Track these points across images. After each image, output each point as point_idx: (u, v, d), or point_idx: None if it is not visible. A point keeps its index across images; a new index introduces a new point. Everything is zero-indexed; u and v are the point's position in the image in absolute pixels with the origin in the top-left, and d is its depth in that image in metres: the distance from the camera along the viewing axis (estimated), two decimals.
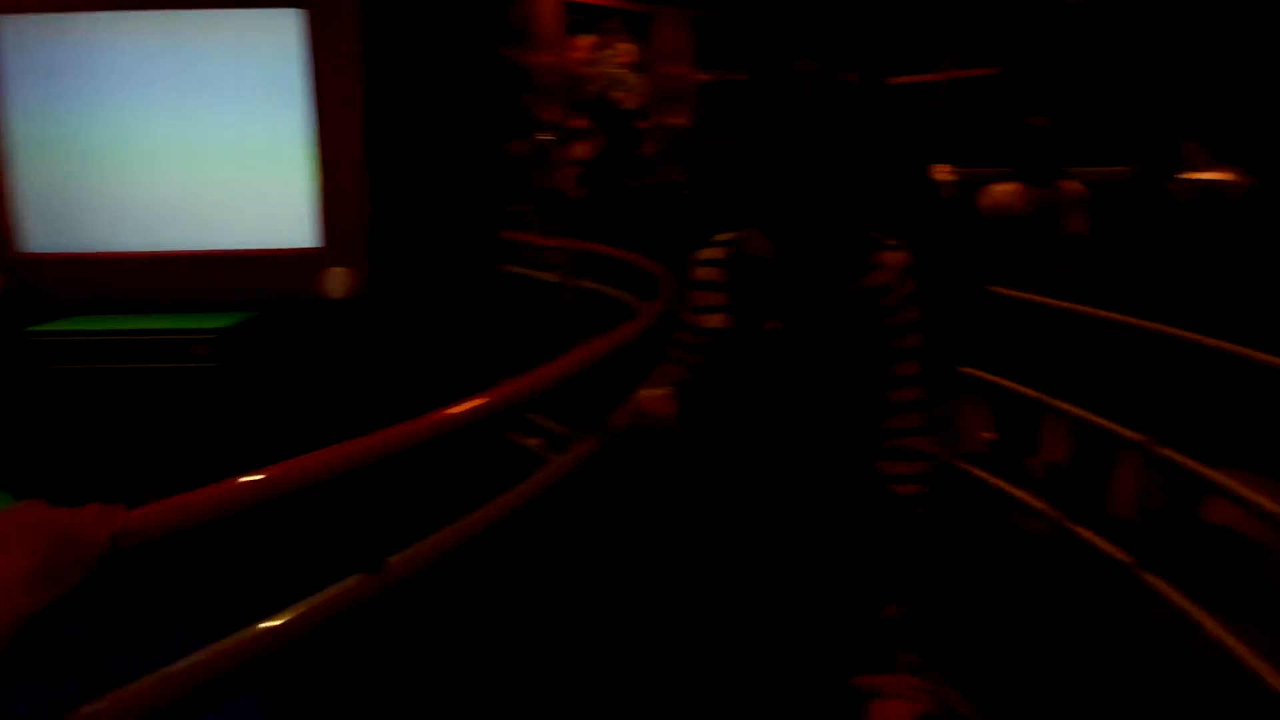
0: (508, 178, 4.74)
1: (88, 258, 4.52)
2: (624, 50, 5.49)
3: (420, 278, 4.43)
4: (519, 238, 4.59)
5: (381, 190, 4.42)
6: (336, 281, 4.40)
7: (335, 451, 1.51)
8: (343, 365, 4.39)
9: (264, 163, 4.45)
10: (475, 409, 2.02)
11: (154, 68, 4.42)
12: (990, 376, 3.81)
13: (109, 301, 4.50)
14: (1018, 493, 3.73)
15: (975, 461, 3.94)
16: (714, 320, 1.77)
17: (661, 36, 5.63)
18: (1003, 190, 4.23)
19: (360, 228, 4.42)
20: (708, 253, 1.79)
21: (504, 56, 4.65)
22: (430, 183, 4.44)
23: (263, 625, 1.28)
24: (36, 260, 4.51)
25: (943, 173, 4.37)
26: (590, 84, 5.38)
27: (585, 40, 5.34)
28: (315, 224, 4.45)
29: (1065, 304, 3.53)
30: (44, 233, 4.53)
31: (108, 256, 4.51)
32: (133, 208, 4.52)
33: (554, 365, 2.31)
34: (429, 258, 4.44)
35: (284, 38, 4.36)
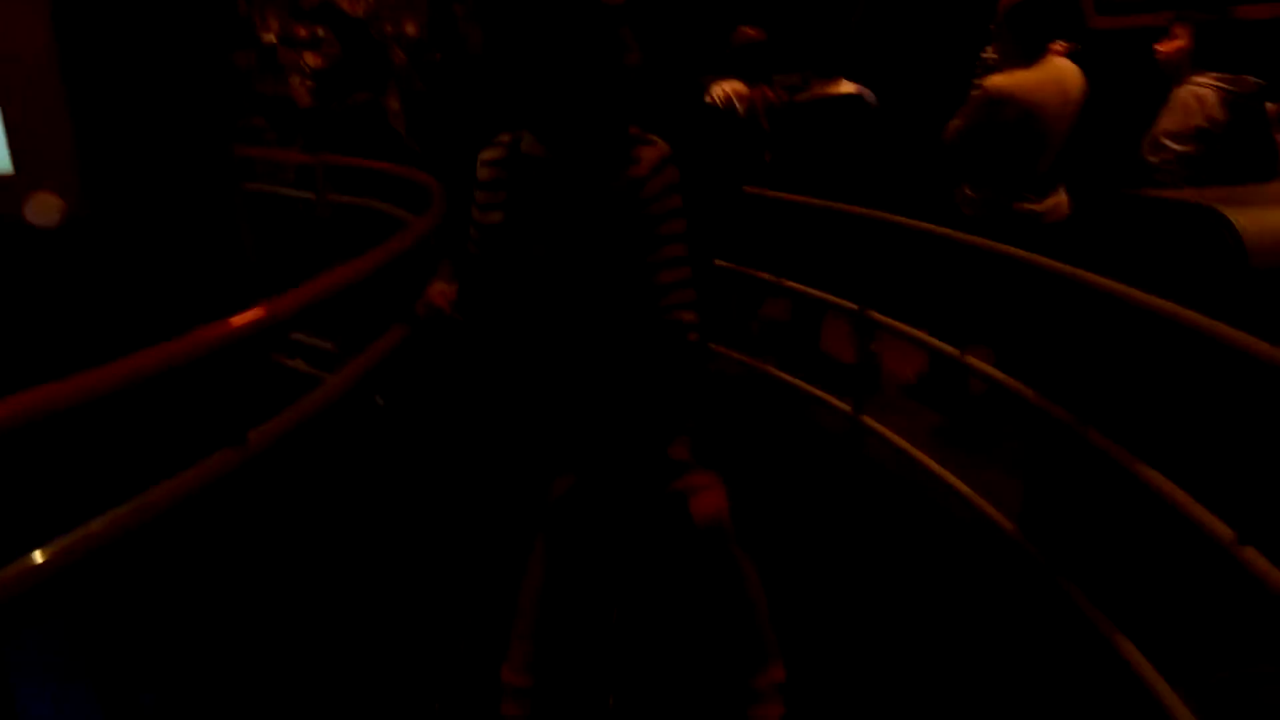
0: (235, 90, 4.47)
1: None
2: None
3: (145, 197, 4.11)
4: (256, 153, 4.37)
5: (90, 109, 4.02)
6: (44, 208, 3.98)
7: (86, 379, 1.44)
8: (57, 295, 4.01)
9: None
10: (252, 323, 1.99)
11: None
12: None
13: None
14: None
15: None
16: (491, 217, 1.87)
17: None
18: (724, 88, 4.69)
19: (64, 148, 4.01)
20: (488, 153, 1.88)
21: None
22: (147, 96, 4.10)
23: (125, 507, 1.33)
24: None
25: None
26: None
27: None
28: (5, 146, 3.97)
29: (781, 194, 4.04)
30: None
31: None
32: None
33: (325, 278, 2.30)
34: (153, 176, 4.13)
35: None
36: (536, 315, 1.86)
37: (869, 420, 3.79)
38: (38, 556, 1.26)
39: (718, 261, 3.92)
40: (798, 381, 4.15)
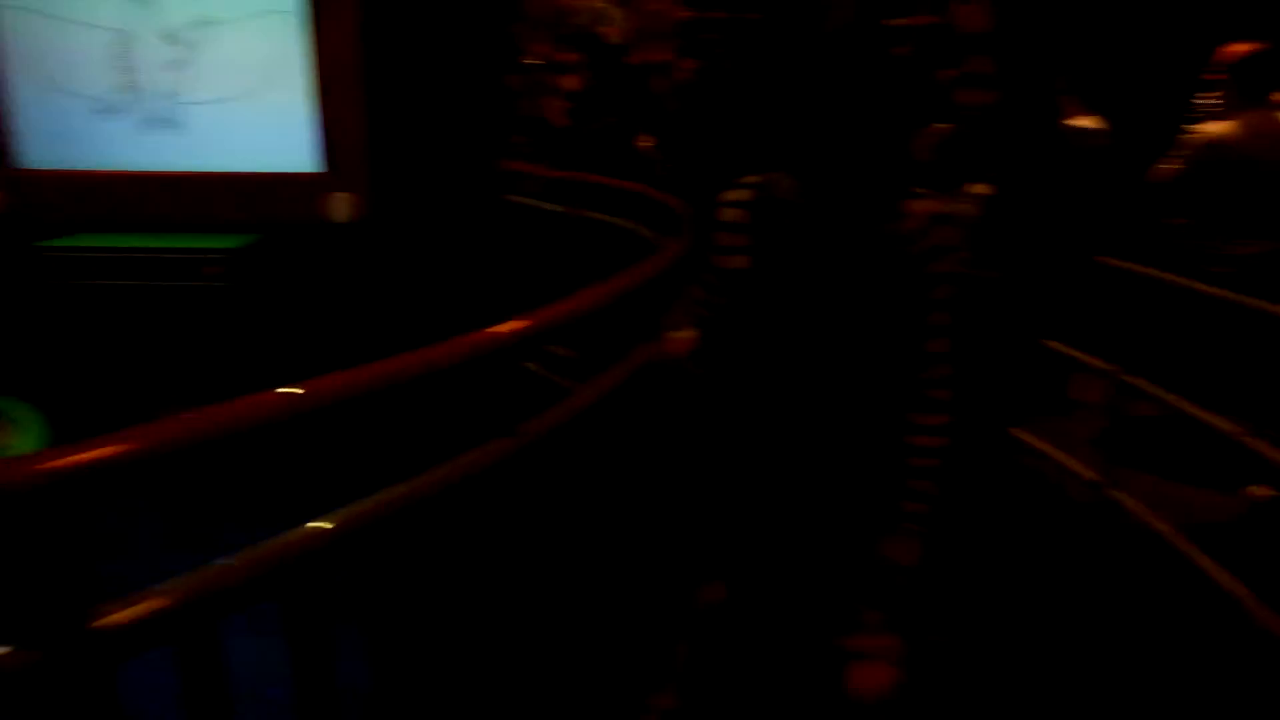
0: (506, 109, 4.91)
1: (88, 175, 4.59)
2: None
3: (422, 203, 4.61)
4: (519, 168, 4.80)
5: (382, 117, 4.56)
6: (339, 206, 4.56)
7: (371, 370, 1.48)
8: (346, 288, 4.58)
9: (266, 87, 4.54)
10: (517, 331, 2.08)
11: None
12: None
13: (111, 220, 4.59)
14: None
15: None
16: (735, 262, 1.72)
17: None
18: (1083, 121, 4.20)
19: (360, 153, 4.57)
20: (733, 194, 1.73)
21: None
22: (430, 111, 4.59)
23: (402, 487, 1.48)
24: (36, 176, 4.56)
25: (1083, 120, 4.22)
26: (576, 17, 5.51)
27: None
28: (316, 149, 4.58)
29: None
30: (42, 147, 4.57)
31: (109, 175, 4.59)
32: (132, 126, 4.58)
33: (588, 293, 2.22)
34: (430, 184, 4.62)
35: None
36: (772, 377, 1.72)
37: (1119, 495, 3.53)
38: (327, 523, 1.36)
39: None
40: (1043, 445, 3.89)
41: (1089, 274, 3.70)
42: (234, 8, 4.44)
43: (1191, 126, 3.88)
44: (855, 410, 1.69)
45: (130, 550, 2.73)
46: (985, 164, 3.76)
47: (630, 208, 3.99)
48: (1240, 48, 3.75)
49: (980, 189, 3.63)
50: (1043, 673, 2.64)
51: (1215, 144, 3.68)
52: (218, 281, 4.31)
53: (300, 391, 1.27)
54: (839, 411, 1.69)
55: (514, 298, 4.60)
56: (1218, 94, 3.88)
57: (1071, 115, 4.25)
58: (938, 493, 1.68)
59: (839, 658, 1.62)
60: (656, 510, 2.57)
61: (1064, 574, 3.22)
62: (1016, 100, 3.91)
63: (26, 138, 4.55)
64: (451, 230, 4.57)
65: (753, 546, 1.78)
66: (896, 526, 1.65)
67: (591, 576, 2.40)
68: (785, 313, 1.67)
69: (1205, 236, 3.80)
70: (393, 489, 1.44)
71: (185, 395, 4.44)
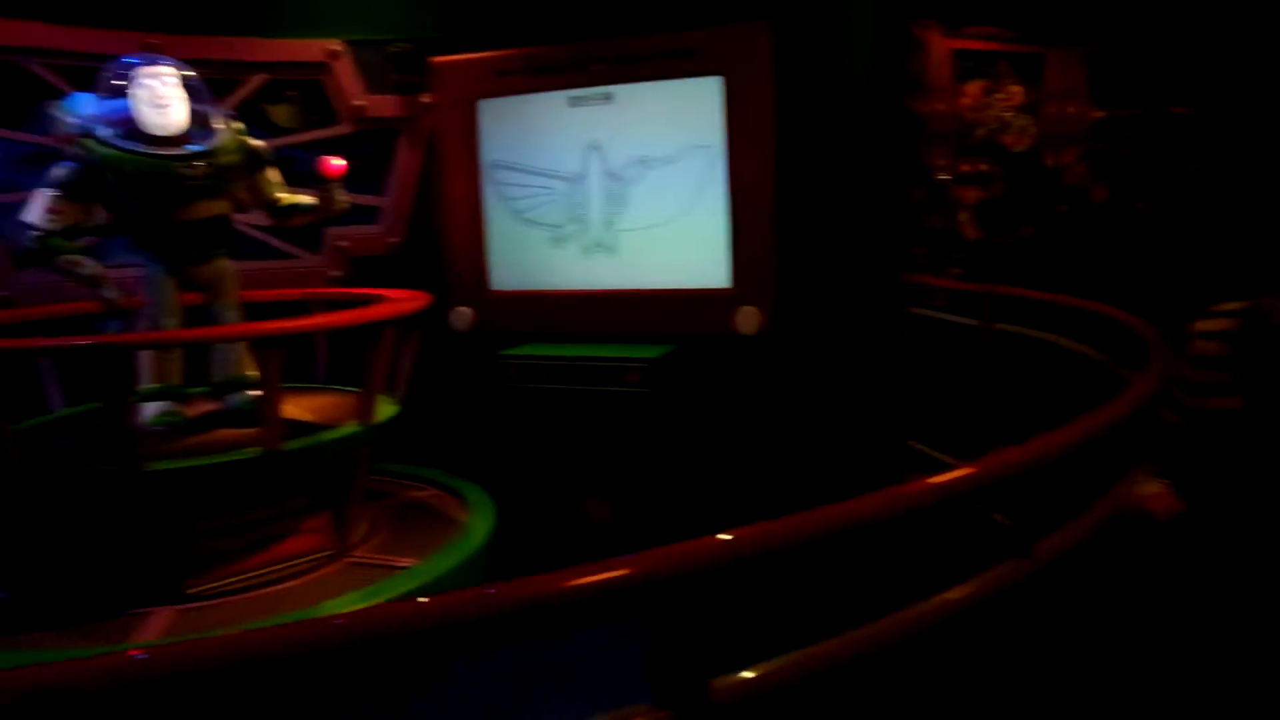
0: (908, 222, 4.96)
1: (540, 294, 5.40)
2: (1013, 93, 5.53)
3: (826, 317, 4.77)
4: (922, 280, 4.81)
5: (790, 235, 4.83)
6: (748, 319, 4.86)
7: (827, 513, 1.48)
8: (754, 396, 4.85)
9: (687, 213, 5.05)
10: (962, 480, 1.73)
11: (595, 134, 5.19)
12: None
13: (555, 332, 5.33)
14: None
15: None
16: (1220, 403, 1.56)
17: (1053, 77, 5.58)
18: None
19: (770, 270, 4.86)
20: (1210, 324, 1.59)
21: (902, 107, 4.90)
22: (835, 228, 4.79)
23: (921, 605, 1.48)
24: (500, 297, 5.47)
25: None
26: (980, 128, 5.47)
27: (975, 86, 5.46)
28: (729, 267, 4.96)
29: None
30: (505, 274, 5.49)
31: (556, 294, 5.36)
32: (577, 251, 5.33)
33: (1046, 440, 1.97)
34: (834, 298, 4.77)
35: (706, 103, 4.93)
36: None
37: None
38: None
39: None
40: None
41: None
42: (666, 146, 5.03)
43: None
44: None
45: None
46: None
47: (1063, 322, 3.77)
48: None
49: None
50: None
51: None
52: (639, 387, 4.76)
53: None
54: None
55: (921, 412, 4.55)
56: None
57: None
58: None
59: None
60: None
61: None
62: None
63: (495, 266, 5.49)
64: (855, 342, 4.66)
65: None
66: None
67: None
68: None
69: None
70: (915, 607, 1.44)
71: (607, 484, 4.95)
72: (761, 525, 1.20)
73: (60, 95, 5.04)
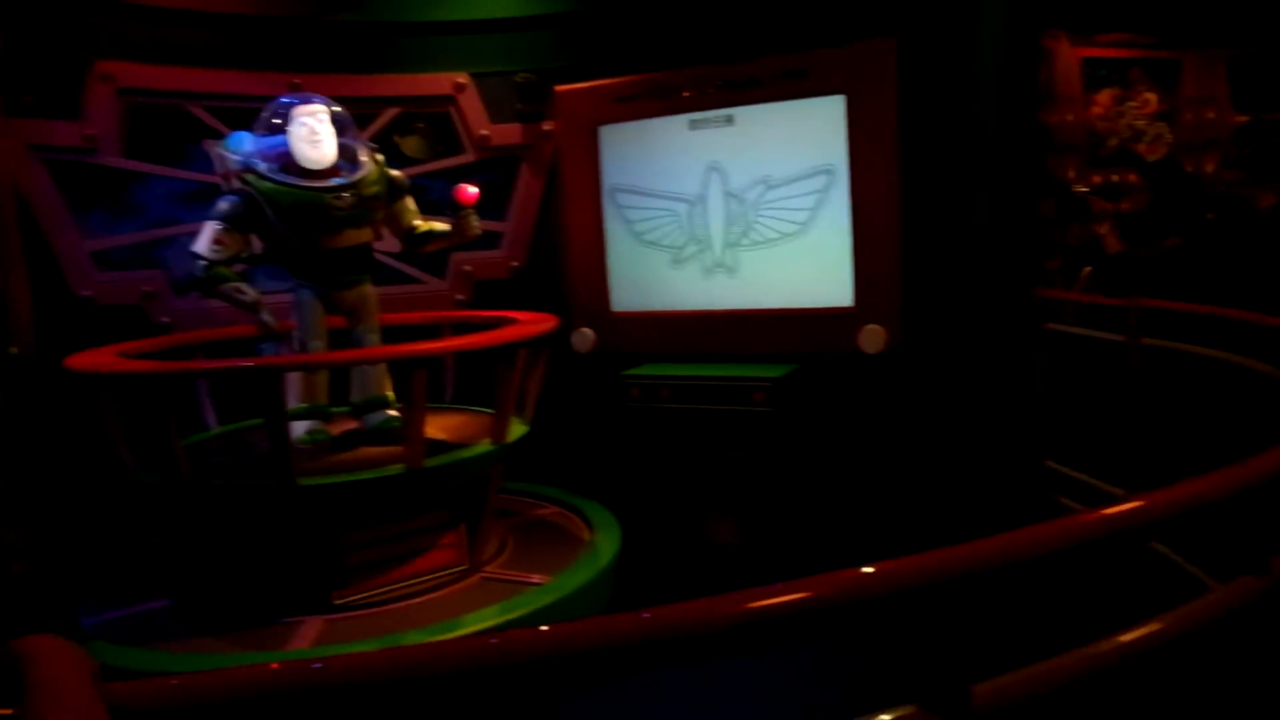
0: (1038, 236, 4.83)
1: (660, 315, 5.47)
2: (1147, 100, 5.33)
3: (953, 335, 4.68)
4: (1056, 295, 4.67)
5: (915, 253, 4.76)
6: (873, 338, 4.80)
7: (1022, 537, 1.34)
8: (881, 415, 4.79)
9: (807, 231, 5.04)
10: (1138, 512, 1.67)
11: (716, 156, 5.24)
12: None
13: (675, 353, 5.38)
14: None
15: None
16: None
17: (1190, 82, 5.36)
18: None
19: (894, 288, 4.80)
20: None
21: (1030, 119, 4.78)
22: (963, 244, 4.70)
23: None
24: (621, 318, 5.57)
25: None
26: (1112, 138, 5.29)
27: (1106, 94, 5.28)
28: (852, 285, 4.92)
29: None
30: (626, 296, 5.58)
31: (677, 314, 5.42)
32: (698, 272, 5.38)
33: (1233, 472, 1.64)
34: (963, 315, 4.68)
35: (827, 122, 4.92)
36: None
37: None
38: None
39: None
40: None
41: None
42: (787, 166, 5.04)
43: None
44: None
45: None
46: None
47: (1220, 337, 3.58)
48: None
49: None
50: None
51: None
52: (763, 407, 4.76)
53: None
54: None
55: (1058, 432, 4.39)
56: None
57: None
58: None
59: None
60: None
61: None
62: None
63: (616, 288, 5.59)
64: (986, 360, 4.55)
65: None
66: None
67: None
68: None
69: None
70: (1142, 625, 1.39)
71: (728, 503, 4.95)
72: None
73: (216, 134, 5.42)
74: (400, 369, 3.76)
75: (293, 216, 4.00)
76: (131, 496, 4.64)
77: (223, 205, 3.99)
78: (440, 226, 4.43)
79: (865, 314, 4.85)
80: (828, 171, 4.91)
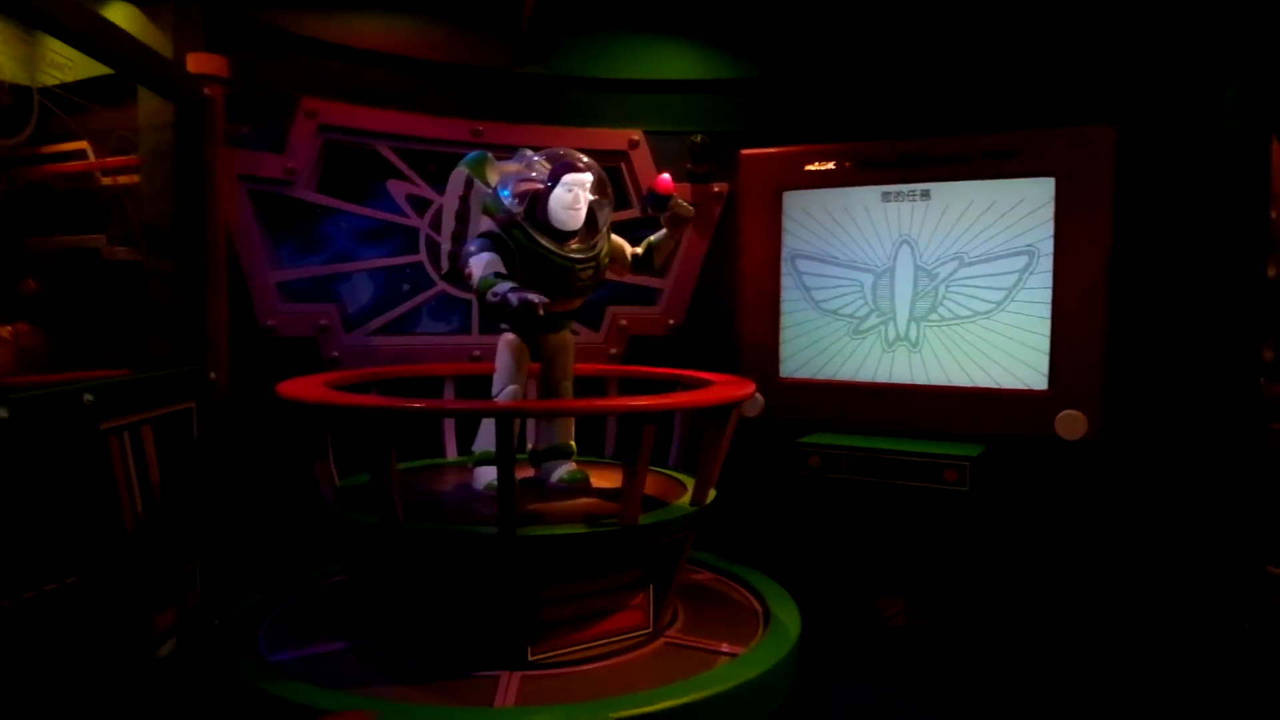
0: (1260, 333, 4.70)
1: (830, 384, 5.38)
2: None
3: (1158, 428, 4.53)
4: None
5: (1120, 338, 4.64)
6: (1072, 424, 4.66)
7: None
8: (1079, 503, 4.62)
9: (999, 311, 4.95)
10: None
11: (908, 229, 5.19)
12: None
13: (846, 423, 5.27)
14: None
15: None
16: None
17: None
18: None
19: (1094, 374, 4.67)
20: None
21: (1256, 215, 4.67)
22: (1174, 330, 4.58)
23: None
24: (790, 384, 5.48)
25: None
26: None
27: None
28: (1046, 368, 4.80)
29: None
30: (797, 363, 5.50)
31: (849, 384, 5.32)
32: (874, 346, 5.30)
33: None
34: (1172, 407, 4.53)
35: (1032, 203, 4.85)
36: None
37: None
38: None
39: None
40: None
41: None
42: (984, 244, 4.98)
43: None
44: None
45: None
46: None
47: None
48: None
49: None
50: None
51: None
52: (957, 486, 4.61)
53: None
54: None
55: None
56: None
57: None
58: None
59: None
60: None
61: None
62: None
63: (788, 354, 5.52)
64: (1198, 456, 4.39)
65: None
66: None
67: None
68: None
69: None
70: None
71: (912, 588, 4.80)
72: None
73: (399, 174, 5.49)
74: (628, 423, 3.68)
75: (538, 276, 3.98)
76: (317, 533, 4.59)
77: (474, 248, 3.97)
78: (654, 237, 4.38)
79: (1060, 398, 4.71)
80: (1028, 253, 4.84)
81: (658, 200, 4.20)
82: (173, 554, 3.86)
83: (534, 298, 3.70)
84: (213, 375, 4.37)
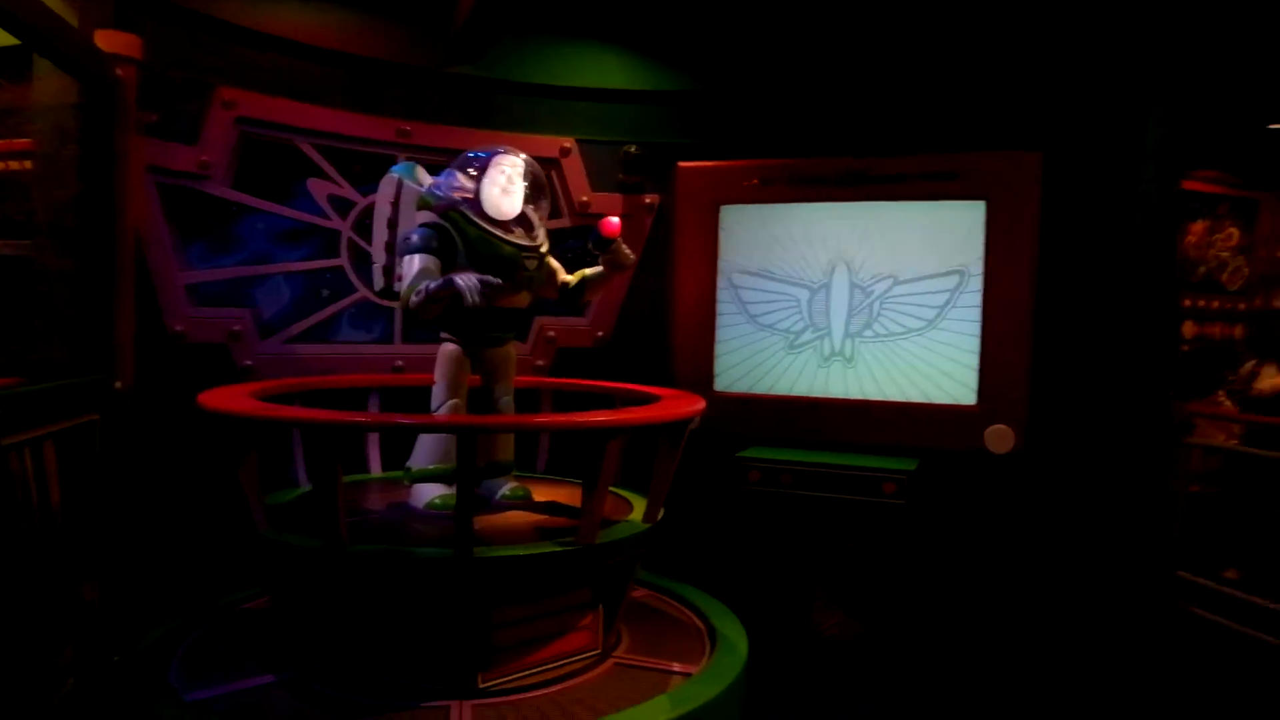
0: (1172, 352, 5.01)
1: (764, 398, 5.41)
2: (1231, 234, 5.68)
3: (1084, 441, 4.76)
4: (1204, 409, 4.83)
5: (1045, 356, 4.86)
6: (1000, 438, 4.84)
7: None
8: (1006, 515, 4.79)
9: (931, 328, 5.10)
10: None
11: (844, 246, 5.28)
12: None
13: (780, 437, 5.30)
14: None
15: None
16: None
17: (1265, 221, 5.75)
18: None
19: (1021, 391, 4.87)
20: None
21: (1168, 243, 4.99)
22: (1096, 348, 4.82)
23: None
24: (725, 398, 5.47)
25: None
26: (1201, 266, 5.60)
27: (1199, 225, 5.61)
28: (976, 385, 4.97)
29: None
30: (732, 377, 5.50)
31: (784, 399, 5.36)
32: (809, 362, 5.35)
33: None
34: (1094, 422, 4.77)
35: (964, 224, 5.02)
36: None
37: None
38: None
39: None
40: None
41: None
42: (917, 264, 5.12)
43: None
44: None
45: None
46: None
47: None
48: None
49: None
50: None
51: None
52: (893, 499, 4.70)
53: None
54: None
55: (1197, 543, 4.47)
56: None
57: None
58: None
59: None
60: None
61: None
62: None
63: (722, 368, 5.51)
64: (1118, 468, 4.63)
65: None
66: None
67: None
68: None
69: None
70: None
71: (840, 597, 4.84)
72: None
73: (320, 173, 5.18)
74: (591, 439, 3.55)
75: (482, 265, 3.80)
76: (234, 555, 4.24)
77: (416, 238, 3.77)
78: (590, 272, 4.28)
79: (988, 414, 4.89)
80: (960, 272, 5.01)
81: (601, 242, 4.08)
82: (71, 582, 3.46)
83: (491, 279, 3.58)
84: (119, 385, 3.97)
